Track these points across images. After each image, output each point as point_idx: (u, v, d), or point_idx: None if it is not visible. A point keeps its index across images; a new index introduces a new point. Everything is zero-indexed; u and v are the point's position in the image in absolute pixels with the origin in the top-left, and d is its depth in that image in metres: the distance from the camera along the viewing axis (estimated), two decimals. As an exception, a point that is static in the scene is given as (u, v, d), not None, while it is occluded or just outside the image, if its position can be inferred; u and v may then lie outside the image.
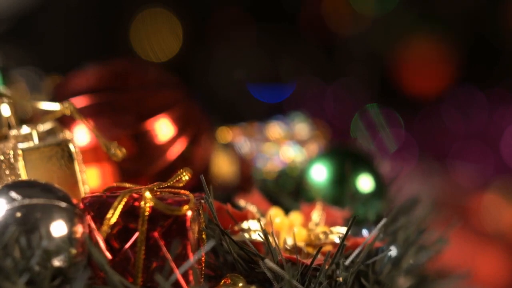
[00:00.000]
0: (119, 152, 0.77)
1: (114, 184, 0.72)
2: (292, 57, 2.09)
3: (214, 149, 0.95)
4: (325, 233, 0.75)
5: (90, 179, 0.82)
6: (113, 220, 0.65)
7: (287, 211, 0.81)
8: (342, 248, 0.69)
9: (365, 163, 0.88)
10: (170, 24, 2.03)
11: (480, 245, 1.83)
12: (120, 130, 0.83)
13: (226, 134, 1.03)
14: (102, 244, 0.65)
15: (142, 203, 0.64)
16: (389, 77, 2.08)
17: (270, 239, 0.71)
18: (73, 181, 0.75)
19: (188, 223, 0.64)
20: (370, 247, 0.71)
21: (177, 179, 0.70)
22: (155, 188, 0.68)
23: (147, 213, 0.64)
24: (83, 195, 0.74)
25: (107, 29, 2.01)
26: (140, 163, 0.84)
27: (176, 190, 0.69)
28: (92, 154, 0.82)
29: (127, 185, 0.70)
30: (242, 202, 0.79)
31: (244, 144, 1.00)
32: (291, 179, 0.93)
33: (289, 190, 0.91)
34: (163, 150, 0.85)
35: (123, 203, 0.65)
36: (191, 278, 0.64)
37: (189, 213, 0.64)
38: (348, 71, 2.07)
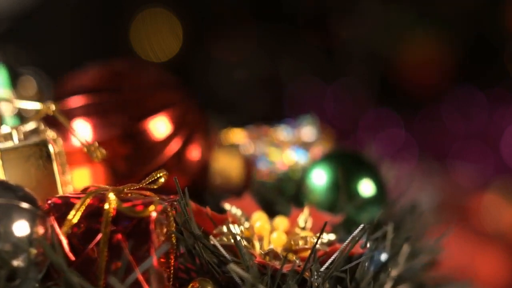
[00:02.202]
0: (99, 154, 0.77)
1: (91, 185, 0.72)
2: (292, 57, 2.09)
3: (212, 150, 0.94)
4: (304, 239, 0.74)
5: (82, 180, 0.82)
6: (75, 220, 0.65)
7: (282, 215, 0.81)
8: (313, 254, 0.68)
9: (366, 168, 0.86)
10: (170, 24, 2.03)
11: (480, 245, 1.83)
12: (115, 130, 0.84)
13: (231, 135, 1.02)
14: (65, 245, 0.65)
15: (106, 204, 0.64)
16: (389, 77, 2.08)
17: (245, 243, 0.71)
18: (52, 182, 0.75)
19: (151, 226, 0.64)
20: (346, 252, 0.70)
21: (151, 180, 0.70)
22: (125, 190, 0.68)
23: (111, 215, 0.64)
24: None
25: (107, 29, 2.01)
26: (134, 163, 0.84)
27: (143, 192, 0.68)
28: (85, 155, 0.82)
29: (103, 186, 0.70)
30: (226, 206, 0.78)
31: (249, 146, 0.99)
32: (292, 182, 0.92)
33: (289, 194, 0.90)
34: (158, 151, 0.85)
35: (86, 204, 0.65)
36: (154, 283, 0.63)
37: (154, 214, 0.64)
38: (348, 71, 2.07)
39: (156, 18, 2.03)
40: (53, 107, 0.78)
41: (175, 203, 0.69)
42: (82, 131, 0.84)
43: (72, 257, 0.65)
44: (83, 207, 0.65)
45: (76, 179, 0.83)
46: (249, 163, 0.98)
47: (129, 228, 0.64)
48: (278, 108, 2.07)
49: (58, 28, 1.93)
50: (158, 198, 0.66)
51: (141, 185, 0.70)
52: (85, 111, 0.84)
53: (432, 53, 2.07)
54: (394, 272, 0.77)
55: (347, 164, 0.86)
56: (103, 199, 0.65)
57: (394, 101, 2.06)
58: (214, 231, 0.72)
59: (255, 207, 0.82)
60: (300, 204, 0.85)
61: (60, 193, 0.75)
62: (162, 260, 0.67)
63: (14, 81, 1.00)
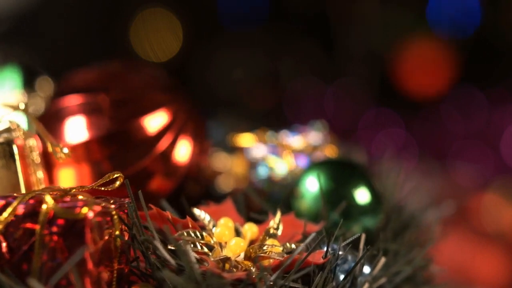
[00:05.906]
0: (63, 154, 0.77)
1: (49, 186, 0.72)
2: (292, 57, 2.09)
3: (206, 154, 0.94)
4: (261, 247, 0.72)
5: (66, 180, 0.83)
6: (9, 219, 0.65)
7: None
8: (257, 262, 0.68)
9: (359, 176, 0.84)
10: (170, 24, 2.03)
11: (480, 245, 1.83)
12: (102, 130, 0.84)
13: (235, 139, 1.02)
14: (4, 245, 0.65)
15: (43, 206, 0.65)
16: (389, 77, 2.08)
17: (205, 249, 0.70)
18: (14, 181, 0.76)
19: (86, 228, 0.64)
20: (300, 262, 0.68)
21: (104, 181, 0.70)
22: (72, 191, 0.68)
23: (47, 216, 0.64)
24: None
25: (107, 29, 2.01)
26: (119, 164, 0.84)
27: (86, 194, 0.68)
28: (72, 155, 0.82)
29: (57, 186, 0.70)
30: (196, 211, 0.77)
31: (251, 150, 0.99)
32: (288, 188, 0.91)
33: (283, 200, 0.88)
34: (144, 152, 0.85)
35: (24, 202, 0.65)
36: (88, 285, 0.63)
37: (90, 215, 0.64)
38: (348, 71, 2.07)
39: (156, 18, 2.03)
40: (22, 106, 0.78)
41: (126, 205, 0.69)
42: (70, 130, 0.84)
43: (7, 256, 0.65)
44: (20, 206, 0.65)
45: (62, 179, 0.83)
46: (250, 167, 0.98)
47: (65, 229, 0.64)
48: (278, 108, 2.07)
49: (58, 28, 1.93)
50: (93, 200, 0.66)
51: (91, 187, 0.70)
52: (73, 111, 0.85)
53: (432, 53, 2.07)
54: (366, 285, 0.74)
55: (339, 172, 0.85)
56: (42, 200, 0.65)
57: (394, 101, 2.06)
58: (174, 236, 0.71)
59: (232, 213, 0.81)
60: (290, 210, 0.84)
61: (23, 192, 0.75)
62: (106, 263, 0.67)
63: (31, 81, 1.01)
